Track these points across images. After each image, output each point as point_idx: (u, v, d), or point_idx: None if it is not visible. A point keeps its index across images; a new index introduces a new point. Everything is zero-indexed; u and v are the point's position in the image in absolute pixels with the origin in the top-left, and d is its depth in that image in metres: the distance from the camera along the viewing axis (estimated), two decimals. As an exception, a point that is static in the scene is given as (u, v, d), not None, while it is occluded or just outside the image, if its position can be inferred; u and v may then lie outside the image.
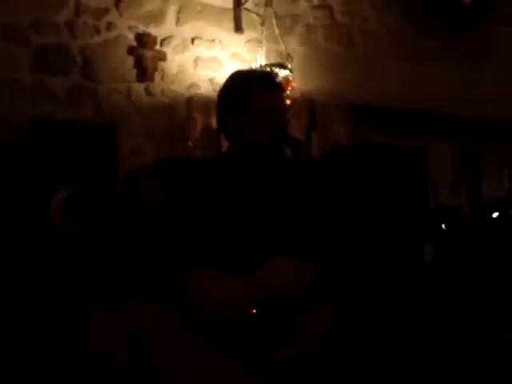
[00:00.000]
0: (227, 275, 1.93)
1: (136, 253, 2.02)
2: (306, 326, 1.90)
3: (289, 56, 4.07)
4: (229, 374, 1.86)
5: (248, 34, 4.14)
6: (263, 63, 3.95)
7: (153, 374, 1.87)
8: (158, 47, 3.91)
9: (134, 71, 3.85)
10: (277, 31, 4.08)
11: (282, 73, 3.88)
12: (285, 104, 2.13)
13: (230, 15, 4.12)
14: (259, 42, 4.04)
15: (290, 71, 3.93)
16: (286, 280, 1.92)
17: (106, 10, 3.82)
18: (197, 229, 2.01)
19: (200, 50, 4.02)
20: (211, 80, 4.02)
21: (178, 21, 4.00)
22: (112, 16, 3.84)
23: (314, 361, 1.90)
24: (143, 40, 3.86)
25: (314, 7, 4.39)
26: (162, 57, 3.91)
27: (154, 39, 3.90)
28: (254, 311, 1.89)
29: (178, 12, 4.01)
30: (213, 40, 4.07)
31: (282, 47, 4.10)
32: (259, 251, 1.95)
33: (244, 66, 4.04)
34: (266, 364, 1.87)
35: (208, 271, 1.95)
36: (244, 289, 1.91)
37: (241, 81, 2.14)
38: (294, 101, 3.97)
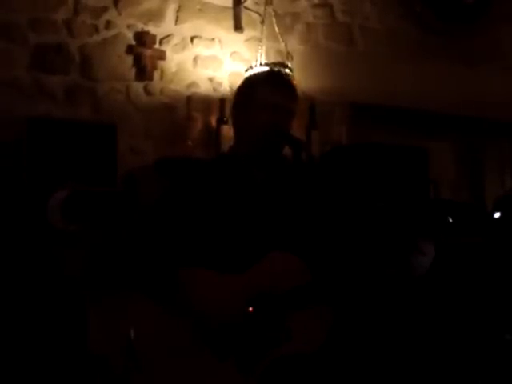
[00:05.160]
0: (221, 275, 1.93)
1: (134, 252, 2.02)
2: (303, 327, 1.88)
3: (289, 55, 4.05)
4: (219, 375, 1.86)
5: (248, 32, 4.12)
6: (263, 62, 3.94)
7: (144, 376, 1.86)
8: (157, 46, 3.89)
9: (133, 70, 3.84)
10: (277, 30, 4.06)
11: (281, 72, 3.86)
12: (289, 103, 2.10)
13: (230, 14, 4.10)
14: (259, 40, 4.02)
15: (290, 70, 3.91)
16: (280, 279, 1.91)
17: (105, 9, 3.81)
18: (193, 228, 2.01)
19: (199, 48, 4.00)
20: (211, 79, 4.00)
21: (177, 19, 3.98)
22: (111, 14, 3.82)
23: (308, 362, 1.89)
24: (142, 39, 3.84)
25: (315, 6, 4.37)
26: (162, 56, 3.89)
27: (153, 38, 3.88)
28: (251, 309, 1.88)
29: (178, 10, 3.99)
30: (212, 39, 4.05)
31: (282, 46, 4.08)
32: (255, 250, 1.94)
33: (244, 65, 4.02)
34: (256, 365, 1.86)
35: (202, 270, 1.94)
36: (238, 288, 1.91)
37: (248, 79, 2.23)
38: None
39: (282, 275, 1.92)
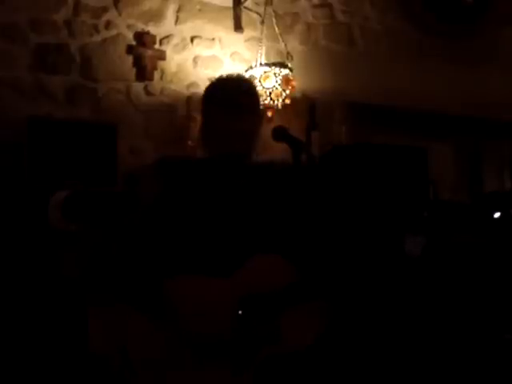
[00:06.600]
0: (208, 278, 1.93)
1: (126, 257, 2.02)
2: (294, 324, 1.89)
3: (289, 55, 4.05)
4: (214, 377, 1.86)
5: (248, 32, 4.12)
6: (263, 62, 3.94)
7: (139, 381, 1.87)
8: (157, 46, 3.89)
9: (134, 70, 3.84)
10: (277, 30, 4.07)
11: (282, 72, 3.86)
12: (245, 126, 2.08)
13: (230, 14, 4.10)
14: (259, 40, 4.02)
15: (290, 70, 3.92)
16: (268, 280, 1.93)
17: (105, 9, 3.81)
18: (183, 230, 2.01)
19: (199, 48, 4.01)
20: (211, 79, 3.96)
21: (177, 19, 3.98)
22: (111, 15, 3.82)
23: (300, 360, 1.90)
24: (142, 39, 3.84)
25: (315, 6, 4.38)
26: (162, 56, 3.89)
27: (154, 38, 3.88)
28: (240, 312, 1.89)
29: (178, 11, 3.99)
30: (212, 39, 4.05)
31: (282, 46, 4.08)
32: (241, 252, 1.95)
33: (244, 65, 4.02)
34: (250, 364, 1.87)
35: (190, 277, 1.94)
36: (226, 290, 1.91)
37: (205, 92, 2.22)
38: (294, 100, 3.96)
39: (269, 276, 1.94)
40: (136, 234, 2.06)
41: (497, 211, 3.38)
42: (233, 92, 2.13)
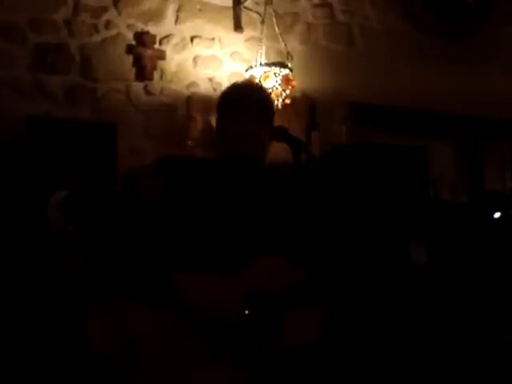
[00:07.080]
0: (216, 277, 1.96)
1: (130, 254, 2.03)
2: (296, 324, 1.93)
3: (289, 55, 4.05)
4: (215, 371, 1.89)
5: (248, 32, 4.12)
6: (263, 62, 3.93)
7: (144, 376, 1.88)
8: (157, 46, 3.89)
9: (133, 70, 3.84)
10: (277, 30, 4.06)
11: (282, 72, 3.86)
12: (249, 129, 2.08)
13: (230, 14, 4.10)
14: (259, 40, 4.02)
15: (290, 70, 3.91)
16: (272, 279, 1.96)
17: (105, 9, 3.81)
18: (188, 231, 2.04)
19: (199, 48, 4.00)
20: (211, 79, 4.00)
21: (177, 19, 3.98)
22: (111, 14, 3.82)
23: (300, 359, 1.93)
24: (142, 39, 3.84)
25: (315, 6, 4.37)
26: (162, 55, 3.89)
27: (153, 38, 3.88)
28: (247, 312, 1.92)
29: (177, 10, 3.99)
30: (212, 39, 4.04)
31: (282, 46, 4.08)
32: (248, 252, 1.98)
33: (244, 65, 4.02)
34: (251, 361, 1.90)
35: (197, 273, 1.97)
36: (232, 289, 1.94)
37: (219, 99, 2.20)
38: (294, 100, 3.95)
39: (273, 277, 1.97)
40: (142, 232, 2.07)
41: (497, 211, 3.38)
42: (240, 96, 2.15)
